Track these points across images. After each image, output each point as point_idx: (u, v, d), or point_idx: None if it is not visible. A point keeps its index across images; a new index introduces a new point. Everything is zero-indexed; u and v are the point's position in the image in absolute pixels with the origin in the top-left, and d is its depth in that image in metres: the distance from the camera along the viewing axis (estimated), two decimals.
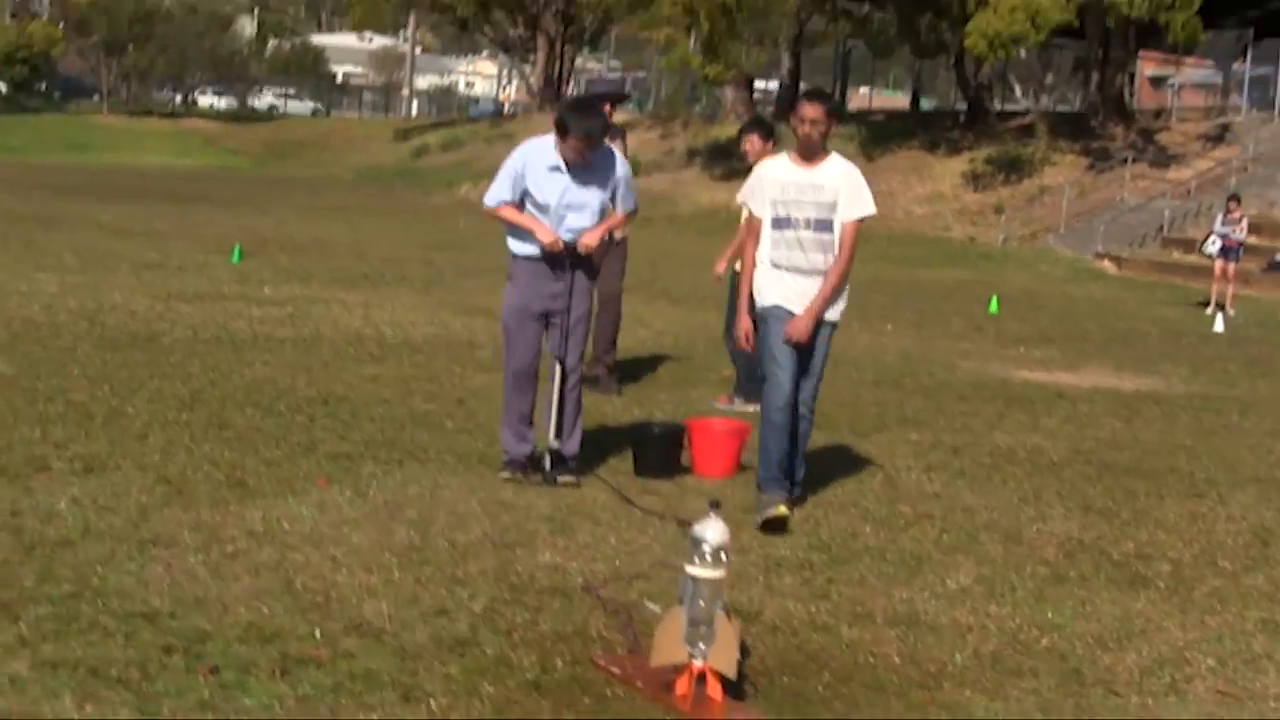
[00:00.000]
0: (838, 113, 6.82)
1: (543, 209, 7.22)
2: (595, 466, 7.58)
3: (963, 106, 41.80)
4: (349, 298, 14.36)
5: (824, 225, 6.85)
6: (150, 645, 4.57)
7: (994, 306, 19.29)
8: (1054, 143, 35.90)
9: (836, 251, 6.88)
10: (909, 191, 35.01)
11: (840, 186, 6.89)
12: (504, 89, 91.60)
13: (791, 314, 6.87)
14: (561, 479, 7.29)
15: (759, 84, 50.35)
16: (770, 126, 10.14)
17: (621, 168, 7.36)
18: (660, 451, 7.68)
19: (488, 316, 13.55)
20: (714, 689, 4.46)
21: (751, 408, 9.78)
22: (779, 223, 6.90)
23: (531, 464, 7.35)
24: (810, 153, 6.92)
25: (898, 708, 4.53)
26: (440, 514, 6.49)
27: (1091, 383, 12.48)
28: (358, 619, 5.00)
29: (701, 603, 4.45)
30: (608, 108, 9.60)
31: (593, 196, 7.27)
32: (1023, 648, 5.14)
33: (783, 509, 6.65)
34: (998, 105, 41.93)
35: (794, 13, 41.76)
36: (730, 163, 36.82)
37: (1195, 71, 42.77)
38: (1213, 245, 21.14)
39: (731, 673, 4.47)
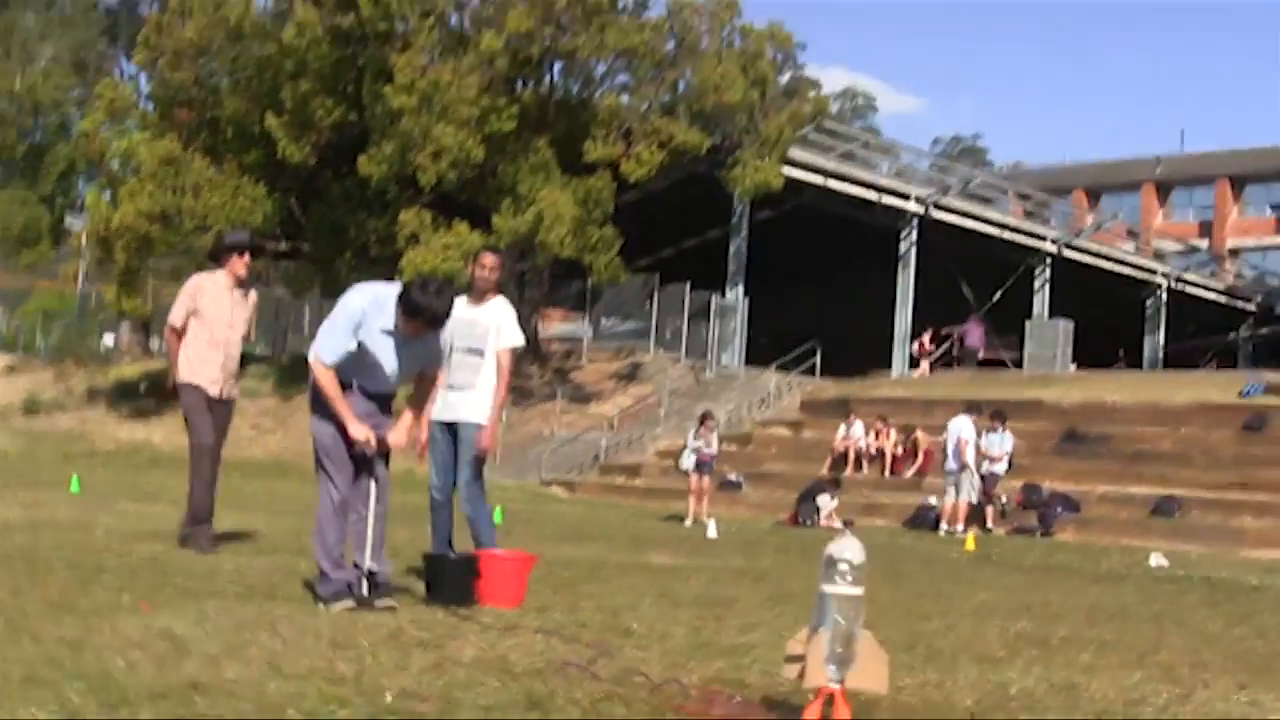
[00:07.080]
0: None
1: (370, 366, 6.92)
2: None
3: None
4: None
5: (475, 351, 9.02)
6: None
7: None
8: None
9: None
10: None
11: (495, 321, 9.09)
12: None
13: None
14: (380, 603, 6.87)
15: None
16: None
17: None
18: (458, 579, 7.34)
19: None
20: (841, 710, 4.36)
21: None
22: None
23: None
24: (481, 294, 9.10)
25: None
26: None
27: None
28: None
29: (840, 620, 4.36)
30: (247, 257, 9.45)
31: (417, 357, 7.16)
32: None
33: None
34: None
35: None
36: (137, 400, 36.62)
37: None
38: (688, 460, 21.91)
39: (883, 687, 4.39)
